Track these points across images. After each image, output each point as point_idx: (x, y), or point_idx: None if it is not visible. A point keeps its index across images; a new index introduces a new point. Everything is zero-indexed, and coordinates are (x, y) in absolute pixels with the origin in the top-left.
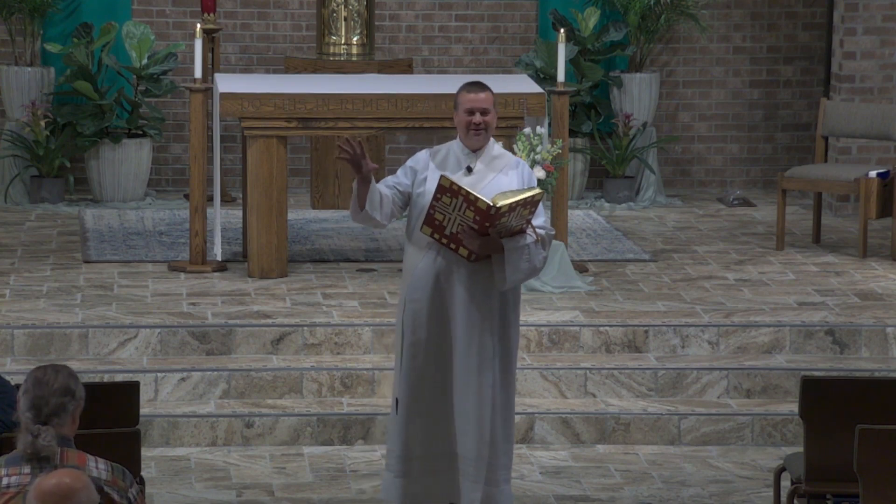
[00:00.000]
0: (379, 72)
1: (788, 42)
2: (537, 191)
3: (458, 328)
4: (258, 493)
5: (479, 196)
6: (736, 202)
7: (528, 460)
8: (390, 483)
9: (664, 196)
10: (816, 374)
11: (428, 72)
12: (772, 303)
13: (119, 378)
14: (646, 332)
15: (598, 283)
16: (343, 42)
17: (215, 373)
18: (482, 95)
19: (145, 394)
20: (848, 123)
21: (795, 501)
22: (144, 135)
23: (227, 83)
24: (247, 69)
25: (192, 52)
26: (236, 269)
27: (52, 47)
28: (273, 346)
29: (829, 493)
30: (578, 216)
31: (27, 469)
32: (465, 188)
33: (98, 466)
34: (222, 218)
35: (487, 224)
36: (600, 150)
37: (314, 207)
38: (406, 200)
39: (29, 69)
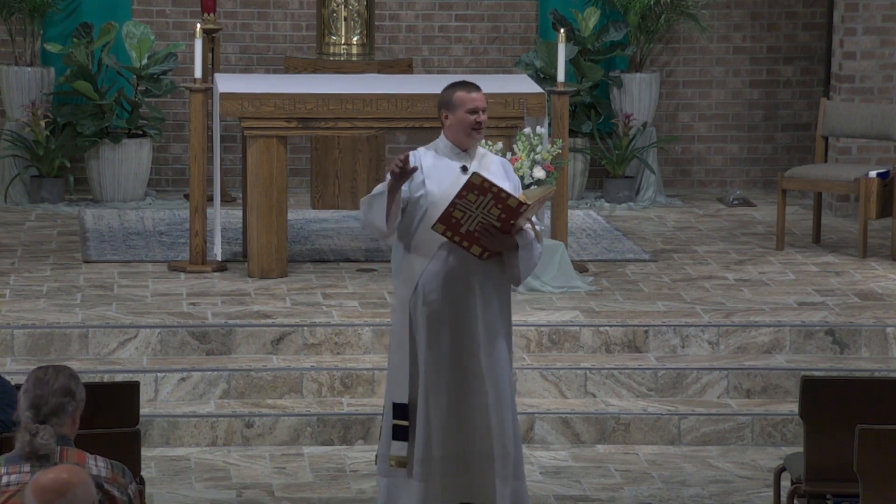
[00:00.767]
0: (379, 72)
1: (788, 42)
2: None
3: (480, 326)
4: (258, 493)
5: (510, 194)
6: (736, 202)
7: (528, 460)
8: (400, 487)
9: (664, 196)
10: (816, 374)
11: (428, 72)
12: (772, 303)
13: (119, 378)
14: (646, 332)
15: (598, 283)
16: (343, 42)
17: (215, 373)
18: (480, 94)
19: (145, 394)
20: (848, 123)
21: (795, 501)
22: (144, 135)
23: (227, 83)
24: (247, 69)
25: (192, 52)
26: (236, 269)
27: (52, 47)
28: (273, 346)
29: (829, 493)
30: (578, 216)
31: (27, 468)
32: (497, 185)
33: (98, 464)
34: (222, 218)
35: (512, 222)
36: (600, 150)
37: (314, 207)
38: (405, 206)
39: (29, 69)
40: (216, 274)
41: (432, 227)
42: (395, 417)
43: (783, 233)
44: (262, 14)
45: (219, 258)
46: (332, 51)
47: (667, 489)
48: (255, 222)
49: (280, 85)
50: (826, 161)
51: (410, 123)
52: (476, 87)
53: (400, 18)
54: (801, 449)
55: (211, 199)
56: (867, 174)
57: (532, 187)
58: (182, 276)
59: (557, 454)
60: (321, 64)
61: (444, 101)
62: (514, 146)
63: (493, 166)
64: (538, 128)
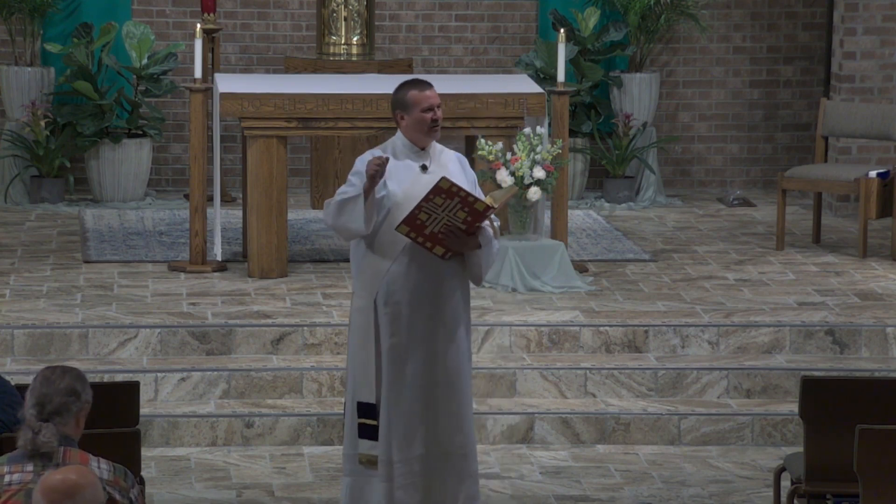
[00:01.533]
0: (379, 72)
1: (788, 42)
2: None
3: (442, 326)
4: (258, 493)
5: (478, 198)
6: (736, 202)
7: (528, 460)
8: (364, 487)
9: (664, 196)
10: (816, 374)
11: (428, 72)
12: (772, 303)
13: (119, 378)
14: (646, 332)
15: (598, 283)
16: (343, 42)
17: (215, 373)
18: (433, 91)
19: (145, 394)
20: (848, 123)
21: (795, 501)
22: (144, 135)
23: (227, 83)
24: (247, 69)
25: (192, 52)
26: (236, 269)
27: (52, 47)
28: (273, 346)
29: (829, 493)
30: (578, 216)
31: (30, 466)
32: (465, 190)
33: (100, 466)
34: (222, 218)
35: (478, 224)
36: (600, 150)
37: (314, 207)
38: None
39: (29, 69)
40: (216, 274)
41: (396, 229)
42: (361, 416)
43: (783, 233)
44: (262, 14)
45: (219, 258)
46: (332, 51)
47: (667, 489)
48: (255, 222)
49: (280, 85)
50: (826, 161)
51: None
52: (429, 85)
53: (400, 18)
54: (801, 449)
55: (211, 199)
56: (867, 174)
57: (497, 191)
58: (182, 276)
59: (557, 454)
60: (321, 64)
61: (397, 102)
62: (514, 146)
63: (451, 164)
64: (538, 128)
